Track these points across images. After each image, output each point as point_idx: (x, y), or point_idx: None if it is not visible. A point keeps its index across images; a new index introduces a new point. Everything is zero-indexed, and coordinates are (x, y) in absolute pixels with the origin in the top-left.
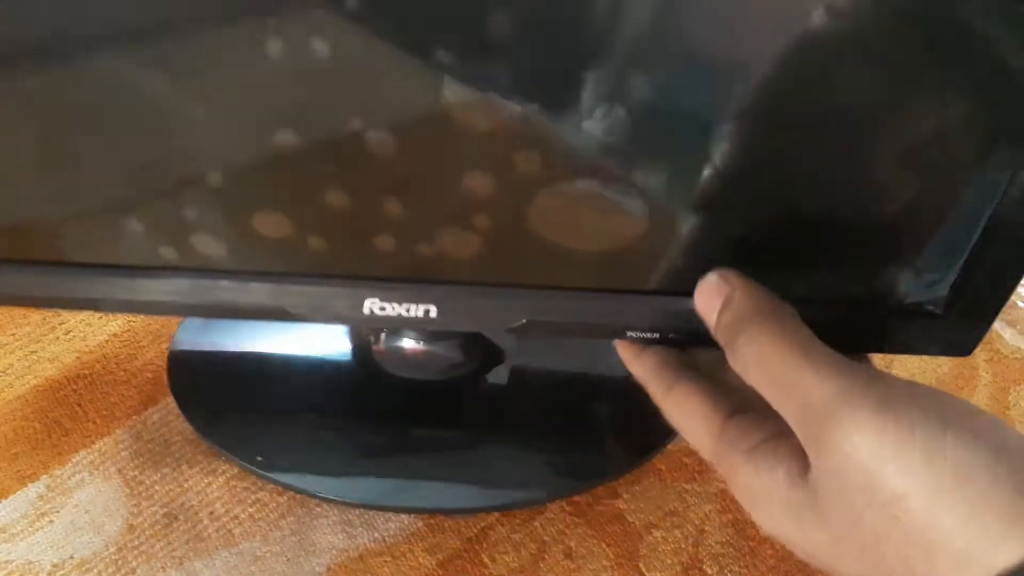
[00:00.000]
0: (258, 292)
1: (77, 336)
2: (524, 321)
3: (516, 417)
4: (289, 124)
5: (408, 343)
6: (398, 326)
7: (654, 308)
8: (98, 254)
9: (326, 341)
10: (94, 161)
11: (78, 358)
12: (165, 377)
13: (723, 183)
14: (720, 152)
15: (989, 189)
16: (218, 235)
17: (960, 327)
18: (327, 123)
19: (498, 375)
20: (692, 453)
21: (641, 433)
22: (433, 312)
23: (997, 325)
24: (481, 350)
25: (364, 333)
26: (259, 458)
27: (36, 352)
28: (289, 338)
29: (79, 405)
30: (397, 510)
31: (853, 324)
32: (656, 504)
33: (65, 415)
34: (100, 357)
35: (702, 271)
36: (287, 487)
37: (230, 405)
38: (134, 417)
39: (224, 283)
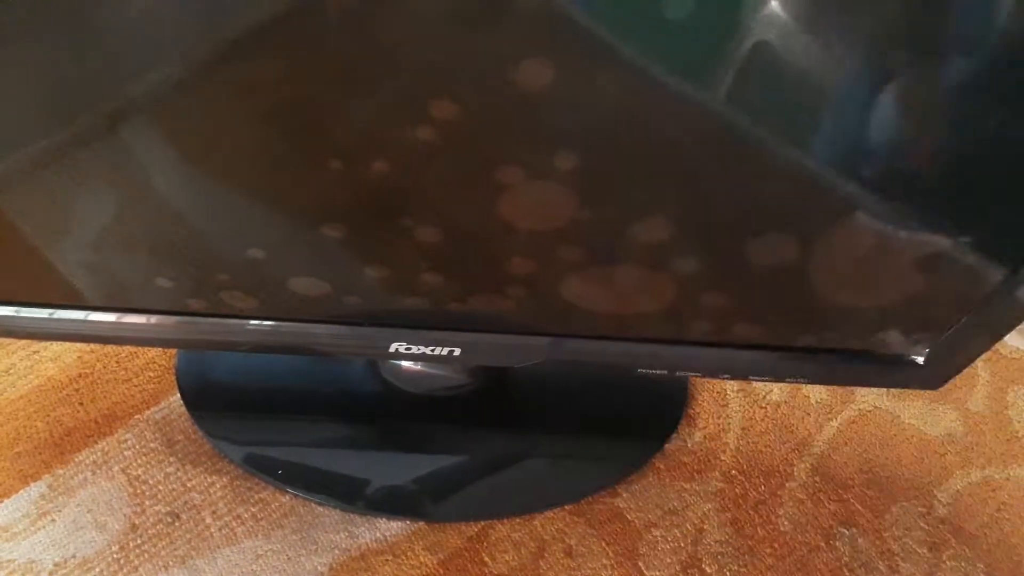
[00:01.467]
0: (286, 333)
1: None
2: (542, 360)
3: (519, 424)
4: (338, 219)
5: (416, 365)
6: (421, 361)
7: (662, 351)
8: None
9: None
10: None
11: (80, 358)
12: (169, 376)
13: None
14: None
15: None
16: (251, 293)
17: (938, 373)
18: (378, 218)
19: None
20: (691, 452)
21: (641, 431)
22: (457, 352)
23: None
24: (486, 370)
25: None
26: (279, 472)
27: (38, 352)
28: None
29: (81, 404)
30: (402, 517)
31: (848, 367)
32: (655, 503)
33: (67, 414)
34: (102, 356)
35: (706, 318)
36: (299, 496)
37: (243, 412)
38: (136, 416)
39: (252, 324)
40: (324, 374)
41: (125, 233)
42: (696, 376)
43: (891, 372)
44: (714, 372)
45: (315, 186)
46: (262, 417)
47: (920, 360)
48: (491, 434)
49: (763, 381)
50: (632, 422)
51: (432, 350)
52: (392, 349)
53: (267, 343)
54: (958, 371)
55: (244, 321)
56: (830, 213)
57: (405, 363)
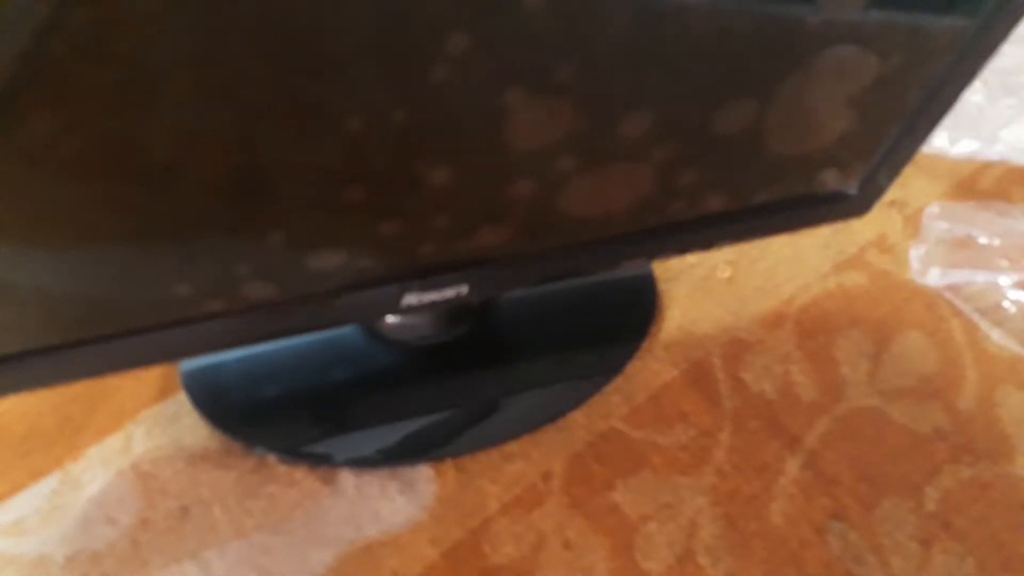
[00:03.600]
0: (303, 315)
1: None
2: (542, 279)
3: (514, 352)
4: (356, 179)
5: (414, 316)
6: (430, 308)
7: (643, 241)
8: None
9: None
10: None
11: None
12: (177, 371)
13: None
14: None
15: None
16: (271, 279)
17: (867, 199)
18: (391, 170)
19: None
20: (686, 447)
21: (621, 337)
22: (465, 290)
23: (984, 325)
24: (477, 310)
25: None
26: (303, 447)
27: None
28: None
29: (91, 400)
30: (424, 461)
31: (794, 213)
32: (651, 497)
33: (78, 411)
34: None
35: (682, 199)
36: (319, 460)
37: (252, 399)
38: (146, 411)
39: (269, 313)
40: (318, 347)
41: (150, 240)
42: (671, 257)
43: (829, 208)
44: (685, 248)
45: (329, 146)
46: (266, 397)
47: (853, 191)
48: (495, 371)
49: (726, 245)
50: (611, 332)
51: (442, 293)
52: (404, 303)
53: (283, 329)
54: (882, 192)
55: (261, 312)
56: (785, 63)
57: (391, 319)
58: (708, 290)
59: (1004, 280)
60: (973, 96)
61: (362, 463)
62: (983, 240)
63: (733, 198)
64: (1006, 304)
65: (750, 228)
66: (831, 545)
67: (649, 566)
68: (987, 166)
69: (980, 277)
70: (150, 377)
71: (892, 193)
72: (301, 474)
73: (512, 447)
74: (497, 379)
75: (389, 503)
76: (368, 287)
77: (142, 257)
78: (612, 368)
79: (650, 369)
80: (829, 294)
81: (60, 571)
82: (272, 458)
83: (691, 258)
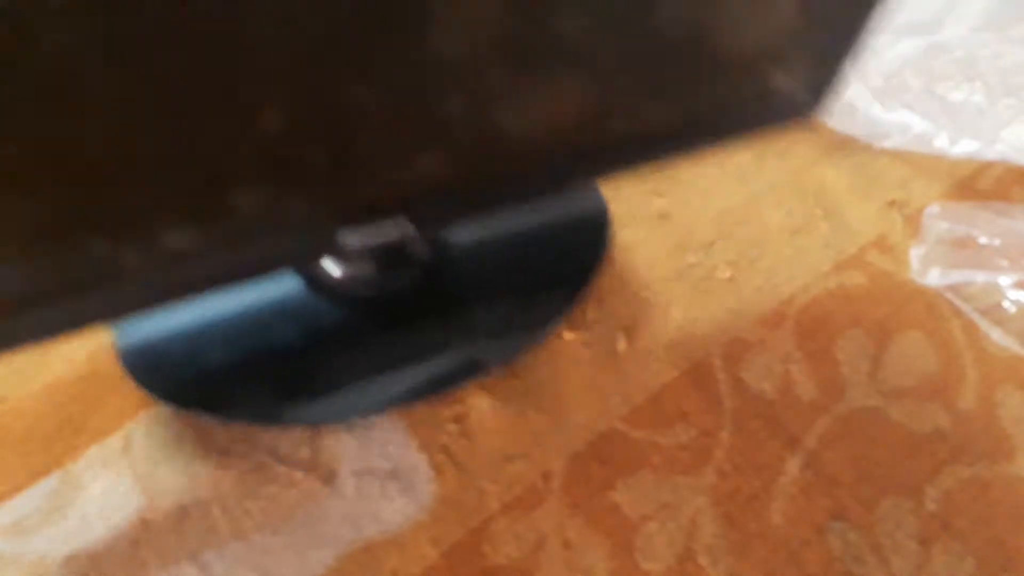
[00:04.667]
0: (230, 261)
1: (89, 333)
2: (486, 208)
3: (464, 299)
4: (274, 103)
5: (354, 266)
6: (372, 246)
7: (595, 159)
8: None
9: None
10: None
11: (89, 355)
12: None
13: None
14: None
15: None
16: (193, 223)
17: (815, 99)
18: (313, 95)
19: (438, 274)
20: (686, 447)
21: (574, 271)
22: (406, 225)
23: (984, 325)
24: (420, 256)
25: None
26: (263, 409)
27: (48, 350)
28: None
29: (91, 401)
30: (381, 408)
31: (735, 116)
32: (651, 497)
33: (77, 411)
34: (112, 354)
35: (629, 111)
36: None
37: (196, 369)
38: (146, 412)
39: (196, 263)
40: (266, 311)
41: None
42: (619, 175)
43: (780, 111)
44: (632, 163)
45: (238, 64)
46: (212, 366)
47: (800, 91)
48: (444, 316)
49: (674, 159)
50: (565, 264)
51: (382, 231)
52: (343, 242)
53: (213, 277)
54: (829, 89)
55: (187, 262)
56: None
57: (337, 272)
58: (708, 290)
59: (1004, 280)
60: (973, 96)
61: (316, 420)
62: (983, 240)
63: (675, 105)
64: (1006, 304)
65: (696, 137)
66: (831, 545)
67: (649, 566)
68: (987, 166)
69: (980, 277)
70: None
71: (892, 193)
72: (300, 474)
73: (512, 448)
74: (448, 327)
75: (389, 503)
76: (300, 226)
77: (51, 212)
78: (565, 305)
79: (650, 369)
80: (829, 294)
81: (59, 571)
82: (217, 425)
83: (691, 258)
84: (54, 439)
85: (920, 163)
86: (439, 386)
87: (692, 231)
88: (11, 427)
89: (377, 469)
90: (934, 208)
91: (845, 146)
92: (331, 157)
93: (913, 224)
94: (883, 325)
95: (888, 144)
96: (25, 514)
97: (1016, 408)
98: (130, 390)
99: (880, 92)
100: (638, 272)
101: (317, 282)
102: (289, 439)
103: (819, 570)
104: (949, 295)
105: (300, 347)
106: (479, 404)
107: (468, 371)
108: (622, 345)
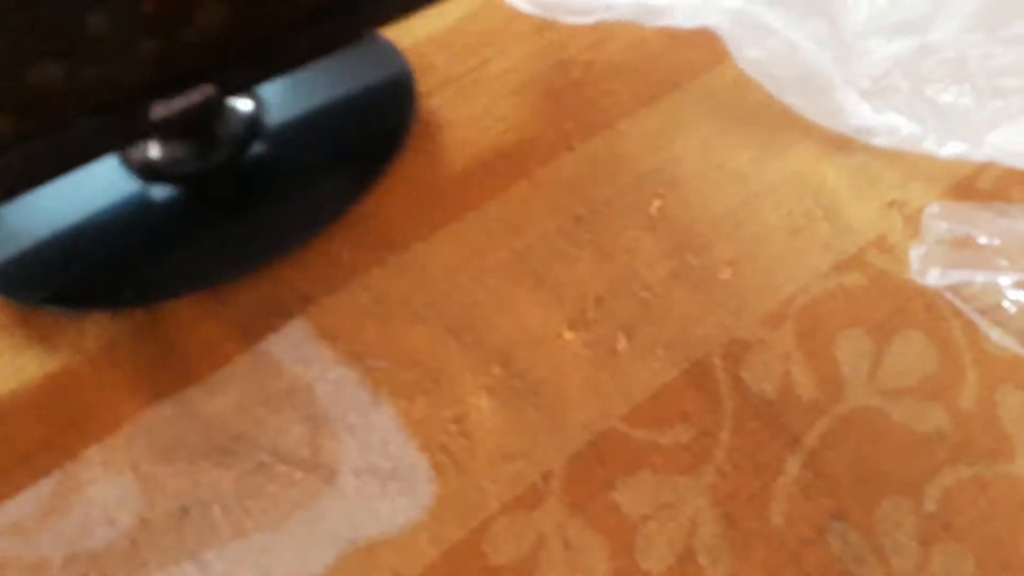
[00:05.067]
0: (43, 149)
1: (89, 335)
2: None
3: (284, 172)
4: None
5: (176, 145)
6: (185, 114)
7: None
8: None
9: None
10: None
11: (89, 356)
12: (172, 374)
13: None
14: None
15: None
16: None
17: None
18: None
19: (255, 150)
20: (686, 447)
21: (381, 140)
22: (210, 88)
23: (983, 324)
24: (233, 125)
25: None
26: (128, 292)
27: (47, 351)
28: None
29: (90, 402)
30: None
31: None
32: (651, 497)
33: (77, 412)
34: (111, 354)
35: None
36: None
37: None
38: (145, 412)
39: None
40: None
41: None
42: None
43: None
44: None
45: None
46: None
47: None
48: (273, 191)
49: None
50: (372, 134)
51: (189, 97)
52: (156, 114)
53: (37, 169)
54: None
55: (5, 153)
56: None
57: (156, 153)
58: (708, 290)
59: (1004, 280)
60: (962, 98)
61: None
62: (983, 240)
63: None
64: (1006, 304)
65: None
66: (831, 545)
67: (649, 566)
68: (986, 166)
69: (980, 277)
70: (148, 379)
71: (892, 193)
72: (300, 474)
73: (512, 448)
74: (260, 204)
75: (389, 503)
76: (108, 100)
77: None
78: (375, 171)
79: (650, 369)
80: (829, 294)
81: (59, 572)
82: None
83: (691, 258)
84: (53, 439)
85: (920, 163)
86: (252, 262)
87: (692, 231)
88: (10, 427)
89: (377, 469)
90: (934, 208)
91: (845, 146)
92: (115, 22)
93: (913, 224)
94: (883, 325)
95: (877, 145)
96: (24, 515)
97: (1016, 408)
98: (129, 389)
99: (869, 94)
100: (449, 145)
101: (142, 168)
102: (289, 438)
103: (819, 570)
104: (949, 295)
105: (128, 232)
106: (479, 404)
107: (279, 246)
108: (622, 345)
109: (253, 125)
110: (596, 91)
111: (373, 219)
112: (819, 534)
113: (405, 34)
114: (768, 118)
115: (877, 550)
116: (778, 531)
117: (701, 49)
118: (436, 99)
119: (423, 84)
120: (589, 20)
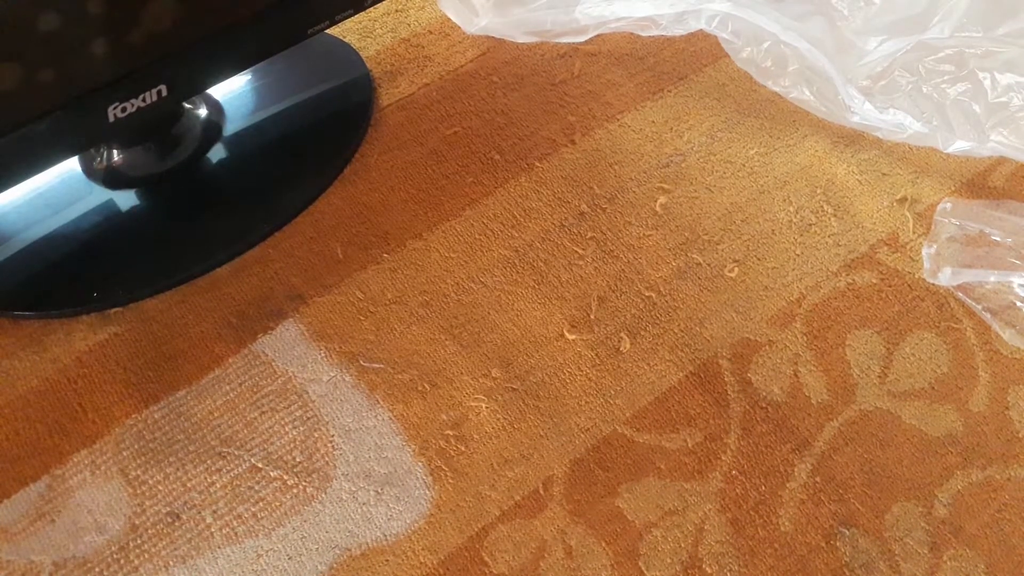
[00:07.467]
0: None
1: (78, 336)
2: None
3: (246, 170)
4: None
5: (135, 152)
6: (143, 119)
7: None
8: None
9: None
10: None
11: (78, 359)
12: (165, 375)
13: None
14: None
15: None
16: None
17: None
18: None
19: (217, 151)
20: (692, 452)
21: (344, 136)
22: (164, 90)
23: (996, 325)
24: (195, 128)
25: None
26: (95, 294)
27: (37, 354)
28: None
29: (79, 405)
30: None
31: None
32: (656, 503)
33: (65, 415)
34: (100, 357)
35: None
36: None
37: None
38: (135, 416)
39: None
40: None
41: None
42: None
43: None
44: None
45: None
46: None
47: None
48: (228, 193)
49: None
50: (328, 136)
51: (144, 98)
52: (112, 116)
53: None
54: None
55: None
56: None
57: (120, 158)
58: (715, 289)
59: (1016, 280)
60: (962, 96)
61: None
62: (996, 238)
63: None
64: (1019, 304)
65: None
66: (840, 552)
67: (654, 574)
68: (998, 163)
69: (992, 277)
70: (138, 381)
71: (903, 189)
72: (294, 479)
73: (512, 453)
74: (216, 206)
75: (384, 509)
76: (63, 102)
77: None
78: (326, 176)
79: (655, 371)
80: (839, 293)
81: None
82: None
83: (697, 256)
84: (42, 443)
85: (931, 159)
86: (208, 265)
87: (698, 228)
88: None
89: (372, 474)
90: (946, 205)
91: (854, 141)
92: (65, 23)
93: (924, 221)
94: (894, 325)
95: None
96: (13, 519)
97: None
98: (118, 394)
99: (871, 91)
100: (448, 139)
101: (105, 176)
102: (282, 442)
103: None
104: (961, 295)
105: (96, 238)
106: (478, 406)
107: (235, 247)
108: (626, 345)
109: (211, 129)
110: (599, 83)
111: (368, 217)
112: (828, 540)
113: (409, 24)
114: (775, 112)
115: (887, 556)
116: (786, 538)
117: (706, 41)
118: (433, 92)
119: (418, 77)
120: (582, 39)
